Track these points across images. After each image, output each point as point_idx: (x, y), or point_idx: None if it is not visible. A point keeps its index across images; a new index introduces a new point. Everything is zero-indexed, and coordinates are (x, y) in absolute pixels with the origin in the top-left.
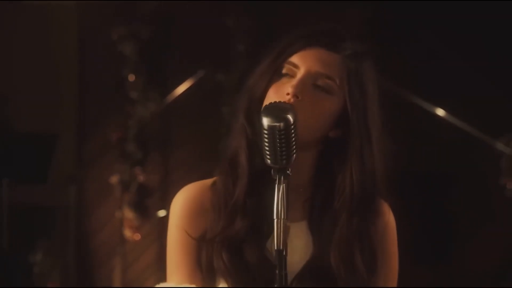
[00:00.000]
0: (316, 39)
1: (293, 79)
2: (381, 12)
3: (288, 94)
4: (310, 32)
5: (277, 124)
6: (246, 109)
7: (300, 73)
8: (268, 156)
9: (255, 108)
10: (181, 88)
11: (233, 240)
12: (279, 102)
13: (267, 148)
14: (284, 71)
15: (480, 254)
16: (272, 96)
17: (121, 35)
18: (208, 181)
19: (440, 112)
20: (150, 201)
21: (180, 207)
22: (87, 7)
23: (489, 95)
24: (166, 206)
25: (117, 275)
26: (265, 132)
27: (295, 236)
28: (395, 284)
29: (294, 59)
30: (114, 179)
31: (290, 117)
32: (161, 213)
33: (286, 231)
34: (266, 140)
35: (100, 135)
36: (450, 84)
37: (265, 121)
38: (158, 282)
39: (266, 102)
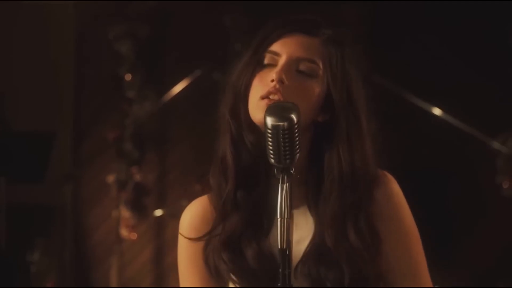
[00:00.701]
0: (294, 26)
1: (276, 67)
2: (378, 11)
3: (272, 80)
4: (287, 20)
5: (281, 123)
6: (231, 105)
7: (282, 60)
8: (271, 156)
9: (240, 103)
10: (178, 88)
11: (230, 238)
12: (283, 101)
13: (270, 148)
14: (266, 61)
15: (476, 253)
16: (257, 87)
17: (118, 34)
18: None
19: (436, 111)
20: (146, 200)
21: (188, 222)
22: (84, 6)
23: (485, 94)
24: (163, 205)
25: (113, 274)
26: (269, 131)
27: (299, 222)
28: (418, 250)
29: (274, 47)
30: (111, 178)
31: (293, 116)
32: (158, 212)
33: (289, 229)
34: (270, 139)
35: (97, 134)
36: (446, 83)
37: (269, 121)
38: (155, 281)
39: (252, 93)
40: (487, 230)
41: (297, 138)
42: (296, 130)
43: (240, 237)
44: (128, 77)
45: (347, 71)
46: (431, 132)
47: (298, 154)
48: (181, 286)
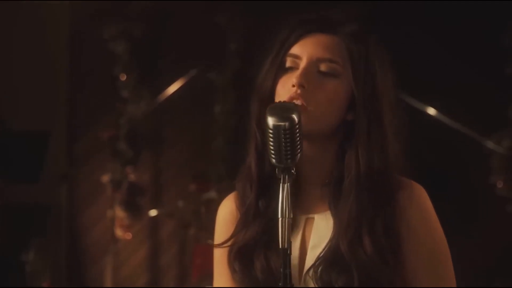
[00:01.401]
0: (312, 25)
1: (297, 71)
2: (377, 11)
3: (293, 86)
4: (305, 20)
5: (282, 123)
6: (257, 113)
7: (302, 63)
8: (273, 156)
9: (265, 110)
10: (173, 87)
11: (245, 248)
12: (284, 101)
13: (272, 148)
14: (287, 64)
15: (471, 253)
16: (280, 92)
17: (113, 34)
18: None
19: (431, 110)
20: (141, 200)
21: (220, 218)
22: (80, 6)
23: (480, 94)
24: (157, 205)
25: (108, 273)
26: (270, 131)
27: (319, 227)
28: (445, 267)
29: (294, 50)
30: (106, 178)
31: (295, 116)
32: (153, 212)
33: (290, 230)
34: (271, 139)
35: (92, 134)
36: (441, 83)
37: (270, 121)
38: (149, 281)
39: (276, 99)
40: (482, 230)
41: (298, 138)
42: (297, 130)
43: (254, 247)
44: (123, 76)
45: (370, 67)
46: (426, 132)
47: (299, 154)
48: (214, 277)
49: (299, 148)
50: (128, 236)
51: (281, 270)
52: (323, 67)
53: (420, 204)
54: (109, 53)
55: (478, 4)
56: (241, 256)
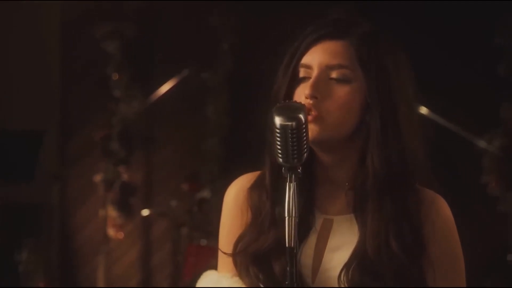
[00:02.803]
0: (321, 32)
1: (310, 81)
2: (366, 11)
3: (306, 97)
4: (314, 27)
5: (289, 123)
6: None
7: (314, 72)
8: (279, 155)
9: None
10: (165, 87)
11: (261, 252)
12: (290, 101)
13: (279, 147)
14: (301, 75)
15: (462, 253)
16: None
17: (105, 33)
18: (258, 173)
19: (423, 110)
20: (133, 199)
21: (231, 198)
22: (71, 5)
23: (471, 93)
24: (150, 205)
25: (100, 273)
26: (277, 131)
27: (340, 229)
28: (462, 279)
29: (305, 60)
30: (98, 177)
31: (301, 116)
32: (145, 212)
33: (297, 229)
34: (278, 139)
35: (84, 133)
36: (432, 82)
37: (277, 120)
38: (142, 281)
39: None
40: (473, 230)
41: (304, 138)
42: (304, 130)
43: (270, 252)
44: (115, 76)
45: (383, 67)
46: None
47: (305, 154)
48: (219, 258)
49: (305, 148)
50: (121, 235)
51: (288, 268)
52: (334, 74)
53: (444, 219)
54: (101, 53)
55: (471, 3)
56: (258, 262)
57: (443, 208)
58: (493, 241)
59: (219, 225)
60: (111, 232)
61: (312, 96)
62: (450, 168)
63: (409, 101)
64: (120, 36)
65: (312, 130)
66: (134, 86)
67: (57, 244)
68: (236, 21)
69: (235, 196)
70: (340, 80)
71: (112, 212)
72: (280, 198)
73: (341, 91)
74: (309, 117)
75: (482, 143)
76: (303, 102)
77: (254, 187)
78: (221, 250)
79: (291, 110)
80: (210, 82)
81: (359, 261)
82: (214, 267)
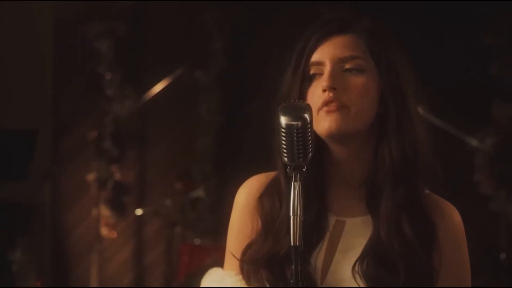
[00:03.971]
0: (327, 28)
1: (324, 76)
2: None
3: (324, 90)
4: (318, 25)
5: (295, 123)
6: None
7: (327, 67)
8: (285, 154)
9: None
10: (159, 86)
11: (275, 257)
12: (296, 101)
13: (284, 147)
14: (311, 72)
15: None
16: (311, 101)
17: (97, 32)
18: (270, 176)
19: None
20: (126, 198)
21: (241, 200)
22: (64, 4)
23: (463, 92)
24: (143, 204)
25: (93, 272)
26: (283, 130)
27: (355, 231)
28: (468, 283)
29: (315, 57)
30: (91, 176)
31: (307, 116)
32: (138, 212)
33: (301, 228)
34: (284, 138)
35: (76, 132)
36: (424, 81)
37: (283, 120)
38: (135, 280)
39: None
40: (465, 229)
41: (309, 137)
42: (309, 130)
43: (284, 258)
44: (108, 75)
45: (391, 60)
46: None
47: (310, 154)
48: (225, 256)
49: (310, 147)
50: (113, 234)
51: (293, 267)
52: (347, 65)
53: (456, 227)
54: (94, 52)
55: (462, 3)
56: (270, 267)
57: (455, 219)
58: (485, 240)
59: (212, 224)
60: (104, 231)
61: (331, 87)
62: (442, 166)
63: (415, 95)
64: (113, 35)
65: (337, 120)
66: (126, 85)
67: (50, 244)
68: (228, 20)
69: (246, 199)
70: (355, 70)
71: (105, 211)
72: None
73: (358, 81)
74: (333, 107)
75: (474, 142)
76: (320, 97)
77: (267, 193)
78: (231, 253)
79: (296, 109)
80: (203, 81)
81: (373, 250)
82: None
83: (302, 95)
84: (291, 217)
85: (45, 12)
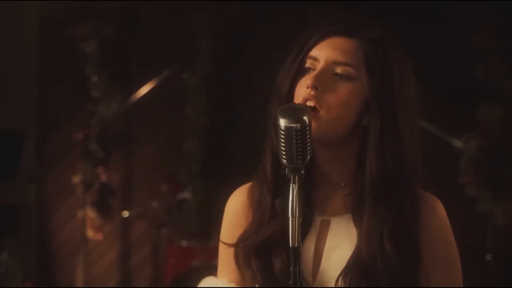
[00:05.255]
0: (333, 28)
1: (314, 73)
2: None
3: (308, 87)
4: (327, 22)
5: (294, 125)
6: (275, 115)
7: (320, 65)
8: (284, 156)
9: None
10: (145, 88)
11: (262, 246)
12: (295, 103)
13: (283, 148)
14: (306, 65)
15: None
16: (298, 94)
17: (83, 34)
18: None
19: None
20: (112, 200)
21: (231, 210)
22: (50, 6)
23: (449, 94)
24: (129, 206)
25: (79, 274)
26: (282, 132)
27: (336, 229)
28: (459, 274)
29: (314, 52)
30: (76, 178)
31: (306, 118)
32: (125, 214)
33: (300, 229)
34: (283, 140)
35: (62, 134)
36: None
37: (282, 122)
38: (120, 281)
39: (295, 101)
40: (452, 230)
41: (308, 139)
42: (308, 132)
43: (272, 245)
44: (94, 77)
45: (389, 71)
46: None
47: (309, 155)
48: (218, 265)
49: (309, 149)
50: (99, 236)
51: (291, 268)
52: (338, 70)
53: (440, 220)
54: (80, 53)
55: (448, 6)
56: (259, 255)
57: (438, 210)
58: (471, 241)
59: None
60: (90, 233)
61: (313, 86)
62: (428, 168)
63: (411, 109)
64: (99, 37)
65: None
66: (113, 87)
67: (36, 245)
68: (215, 21)
69: (235, 207)
70: (344, 77)
71: (90, 213)
72: (280, 190)
73: (343, 87)
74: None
75: (459, 144)
76: (304, 93)
77: (255, 184)
78: (223, 260)
79: (296, 112)
80: (190, 83)
81: (356, 265)
82: (195, 268)
83: (293, 86)
84: (290, 219)
85: (31, 13)
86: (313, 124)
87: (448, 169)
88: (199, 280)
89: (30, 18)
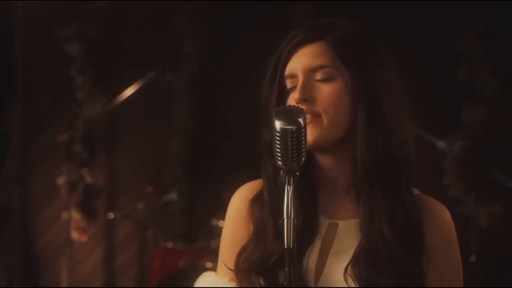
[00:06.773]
0: (296, 39)
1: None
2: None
3: (297, 103)
4: (288, 37)
5: (290, 127)
6: (268, 140)
7: (299, 79)
8: (279, 158)
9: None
10: (130, 90)
11: (267, 262)
12: (290, 105)
13: (278, 150)
14: (288, 86)
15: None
16: None
17: (67, 35)
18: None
19: None
20: (97, 202)
21: (234, 208)
22: (33, 5)
23: (433, 95)
24: (113, 207)
25: (64, 276)
26: (277, 134)
27: (348, 233)
28: (460, 282)
29: (288, 70)
30: (61, 179)
31: (301, 120)
32: (110, 215)
33: (295, 230)
34: (278, 142)
35: (47, 135)
36: None
37: (278, 124)
38: (105, 283)
39: None
40: None
41: (303, 141)
42: (303, 134)
43: (276, 264)
44: (78, 78)
45: (364, 61)
46: None
47: (304, 157)
48: (218, 261)
49: (304, 151)
50: (84, 238)
51: (286, 269)
52: (317, 76)
53: (445, 228)
54: (64, 55)
55: (432, 8)
56: (263, 273)
57: (445, 217)
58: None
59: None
60: (74, 234)
61: (302, 99)
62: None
63: (395, 94)
64: (83, 38)
65: (312, 132)
66: (97, 89)
67: (21, 247)
68: (200, 23)
69: (238, 205)
70: (324, 80)
71: (75, 215)
72: (281, 211)
73: (328, 89)
74: (307, 120)
75: (443, 145)
76: None
77: (256, 199)
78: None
79: (291, 114)
80: (174, 84)
81: (362, 254)
82: (181, 270)
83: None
84: (285, 220)
85: (15, 14)
86: (317, 130)
87: (432, 170)
88: (185, 281)
89: (15, 19)
